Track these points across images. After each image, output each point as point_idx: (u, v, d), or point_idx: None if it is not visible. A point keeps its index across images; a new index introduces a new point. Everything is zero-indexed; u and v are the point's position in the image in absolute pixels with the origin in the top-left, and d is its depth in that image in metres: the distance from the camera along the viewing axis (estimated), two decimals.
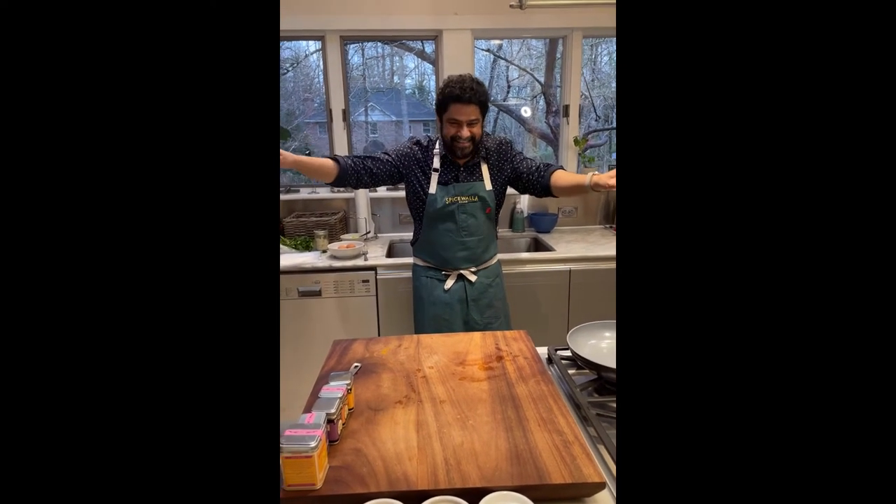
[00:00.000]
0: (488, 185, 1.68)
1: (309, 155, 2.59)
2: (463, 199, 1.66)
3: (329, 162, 1.58)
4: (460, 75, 1.57)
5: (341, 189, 2.62)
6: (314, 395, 0.94)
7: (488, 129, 3.14)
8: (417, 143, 1.70)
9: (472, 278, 1.71)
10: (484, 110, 1.60)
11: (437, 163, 1.66)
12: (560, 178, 1.63)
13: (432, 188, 1.66)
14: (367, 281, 2.09)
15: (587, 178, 1.48)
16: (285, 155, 1.46)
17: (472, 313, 1.73)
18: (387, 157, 1.66)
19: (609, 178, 1.41)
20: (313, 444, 0.70)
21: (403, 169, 1.68)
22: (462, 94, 1.52)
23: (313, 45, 2.75)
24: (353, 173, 1.61)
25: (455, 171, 1.67)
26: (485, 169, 1.69)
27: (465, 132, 1.57)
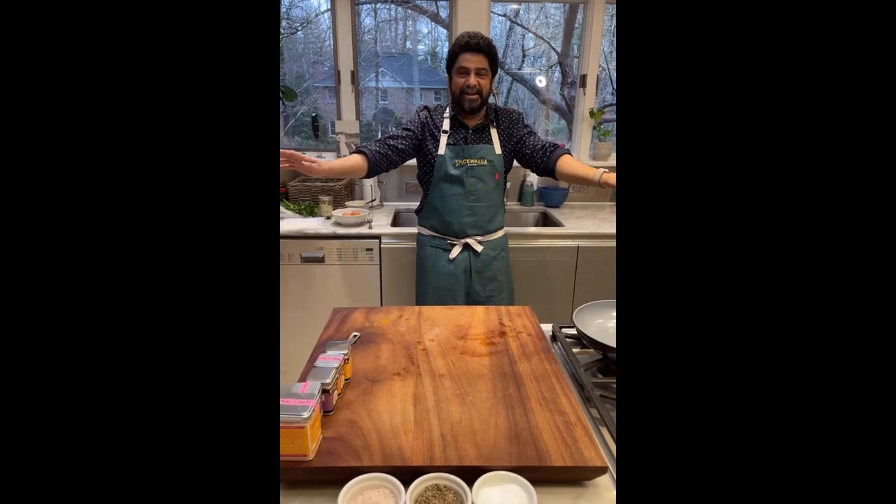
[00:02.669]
0: (498, 150, 1.67)
1: (316, 118, 2.52)
2: (472, 161, 1.64)
3: (357, 158, 1.57)
4: (470, 31, 1.58)
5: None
6: (311, 363, 0.92)
7: (502, 99, 3.06)
8: (426, 107, 1.70)
9: (478, 248, 1.69)
10: (493, 65, 1.59)
11: (446, 125, 1.65)
12: (567, 165, 1.61)
13: (441, 150, 1.64)
14: (371, 250, 2.06)
15: (597, 173, 1.49)
16: (320, 163, 1.46)
17: (475, 285, 1.72)
18: (406, 130, 1.66)
19: None
20: (306, 414, 0.67)
21: (421, 136, 1.67)
22: (470, 40, 1.54)
23: (324, 4, 2.66)
24: (383, 158, 1.60)
25: (464, 133, 1.65)
26: (494, 133, 1.68)
27: (473, 79, 1.56)
